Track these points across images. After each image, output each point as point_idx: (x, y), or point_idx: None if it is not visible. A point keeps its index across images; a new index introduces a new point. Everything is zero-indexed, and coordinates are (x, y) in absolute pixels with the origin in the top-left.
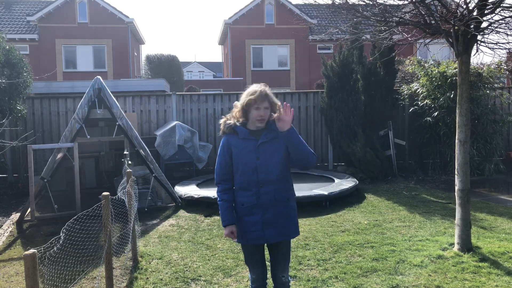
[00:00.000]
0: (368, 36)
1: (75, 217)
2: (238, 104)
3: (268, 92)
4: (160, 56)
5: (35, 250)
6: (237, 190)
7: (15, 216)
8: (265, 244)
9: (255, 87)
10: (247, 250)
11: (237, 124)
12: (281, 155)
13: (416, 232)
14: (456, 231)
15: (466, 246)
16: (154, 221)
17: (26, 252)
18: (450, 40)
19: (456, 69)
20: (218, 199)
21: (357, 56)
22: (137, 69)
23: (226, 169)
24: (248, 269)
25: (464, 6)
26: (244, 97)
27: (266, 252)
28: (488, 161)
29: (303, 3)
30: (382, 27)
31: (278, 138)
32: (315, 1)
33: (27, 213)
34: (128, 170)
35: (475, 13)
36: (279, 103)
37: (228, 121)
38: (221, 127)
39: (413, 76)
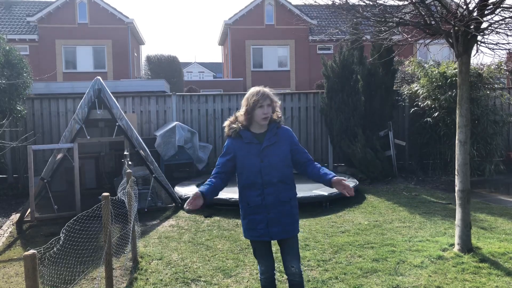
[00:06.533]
0: (368, 37)
1: (75, 218)
2: (242, 109)
3: (268, 91)
4: (160, 57)
5: (35, 251)
6: (242, 190)
7: (15, 216)
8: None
9: (256, 88)
10: (255, 245)
11: (241, 128)
12: (283, 157)
13: (416, 232)
14: (456, 232)
15: (466, 246)
16: (154, 222)
17: (26, 253)
18: (450, 40)
19: (456, 70)
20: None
21: (357, 57)
22: (137, 69)
23: (223, 168)
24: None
25: (464, 7)
26: (249, 99)
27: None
28: (488, 162)
29: (303, 4)
30: (382, 28)
31: (280, 141)
32: (315, 2)
33: (27, 214)
34: (128, 171)
35: (475, 14)
36: (279, 102)
37: (233, 125)
38: (226, 130)
39: (413, 76)
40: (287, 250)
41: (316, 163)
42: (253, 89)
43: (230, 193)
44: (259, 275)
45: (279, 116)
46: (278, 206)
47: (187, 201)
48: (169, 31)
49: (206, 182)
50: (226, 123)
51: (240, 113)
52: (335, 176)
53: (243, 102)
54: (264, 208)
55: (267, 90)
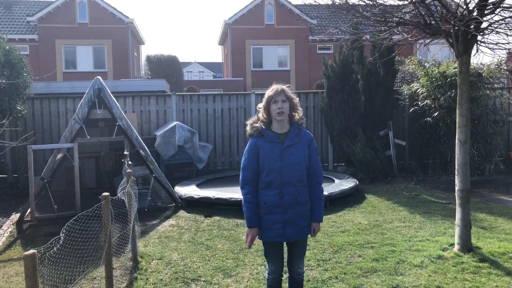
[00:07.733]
0: (368, 37)
1: (75, 218)
2: (261, 105)
3: (284, 88)
4: (160, 56)
5: (35, 251)
6: (261, 189)
7: (15, 216)
8: None
9: (273, 86)
10: (268, 246)
11: (263, 127)
12: (303, 159)
13: (416, 232)
14: (456, 232)
15: (466, 246)
16: (154, 222)
17: (26, 253)
18: (450, 40)
19: (456, 69)
20: (244, 201)
21: (357, 56)
22: (137, 69)
23: (253, 172)
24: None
25: (464, 7)
26: (265, 96)
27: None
28: (488, 162)
29: (303, 3)
30: (382, 27)
31: (301, 142)
32: (315, 1)
33: (27, 214)
34: (128, 171)
35: (475, 14)
36: (297, 99)
37: (255, 124)
38: (248, 129)
39: (413, 76)
40: (298, 252)
41: (321, 187)
42: (271, 87)
43: (230, 193)
44: (266, 274)
45: (301, 117)
46: (295, 206)
47: (248, 241)
48: (169, 31)
49: (248, 201)
50: (248, 122)
51: (261, 112)
52: (316, 224)
53: (263, 101)
54: (281, 208)
55: (282, 86)
